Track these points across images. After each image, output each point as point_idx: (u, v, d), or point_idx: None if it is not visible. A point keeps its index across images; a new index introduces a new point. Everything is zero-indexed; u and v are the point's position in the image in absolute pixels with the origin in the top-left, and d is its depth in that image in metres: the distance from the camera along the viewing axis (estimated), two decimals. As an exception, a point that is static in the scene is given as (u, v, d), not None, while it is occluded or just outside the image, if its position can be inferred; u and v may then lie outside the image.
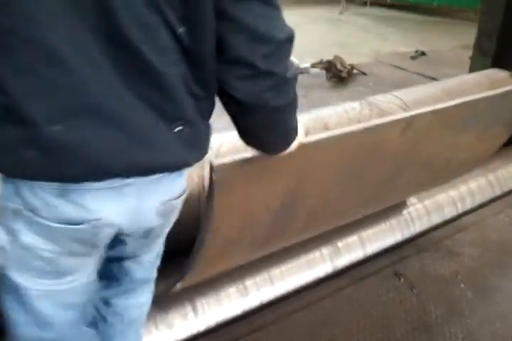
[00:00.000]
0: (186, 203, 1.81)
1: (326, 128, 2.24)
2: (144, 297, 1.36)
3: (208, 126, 1.10)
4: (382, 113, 2.46)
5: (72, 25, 0.84)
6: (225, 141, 1.87)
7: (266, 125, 1.08)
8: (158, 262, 1.33)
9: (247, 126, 1.09)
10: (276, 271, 2.03)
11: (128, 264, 1.24)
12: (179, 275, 1.58)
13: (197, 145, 1.06)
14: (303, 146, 1.28)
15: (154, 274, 1.36)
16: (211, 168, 1.21)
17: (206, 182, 1.87)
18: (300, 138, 1.23)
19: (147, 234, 1.14)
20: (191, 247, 1.81)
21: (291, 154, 1.24)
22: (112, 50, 0.88)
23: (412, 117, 1.65)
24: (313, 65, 4.91)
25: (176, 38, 0.93)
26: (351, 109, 2.48)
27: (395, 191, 2.05)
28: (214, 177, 1.22)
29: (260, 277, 1.99)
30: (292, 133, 1.15)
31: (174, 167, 1.04)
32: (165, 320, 1.76)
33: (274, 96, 1.01)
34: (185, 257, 1.79)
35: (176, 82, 0.96)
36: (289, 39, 1.00)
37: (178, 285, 1.60)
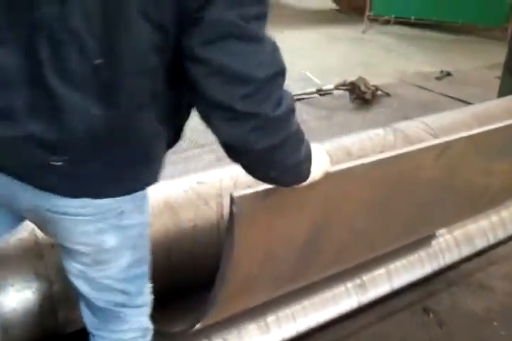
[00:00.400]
0: (205, 233, 1.78)
1: (349, 154, 2.17)
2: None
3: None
4: (407, 138, 2.39)
5: None
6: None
7: (262, 164, 1.03)
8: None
9: (244, 165, 1.05)
10: (298, 307, 1.95)
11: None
12: (199, 314, 1.51)
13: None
14: (329, 176, 1.22)
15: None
16: (231, 199, 1.15)
17: (226, 211, 1.82)
18: (326, 167, 1.18)
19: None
20: (211, 281, 1.76)
21: (315, 185, 1.18)
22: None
23: (447, 144, 1.57)
24: (337, 87, 4.84)
25: (92, 68, 0.89)
26: (375, 135, 2.42)
27: (427, 222, 1.97)
28: (234, 210, 1.16)
29: (282, 313, 1.91)
30: (299, 167, 1.08)
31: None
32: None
33: (259, 138, 0.96)
34: (205, 293, 1.73)
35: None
36: (275, 75, 0.93)
37: (199, 325, 1.53)
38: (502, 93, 3.79)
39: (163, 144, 1.08)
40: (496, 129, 1.67)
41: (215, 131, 0.97)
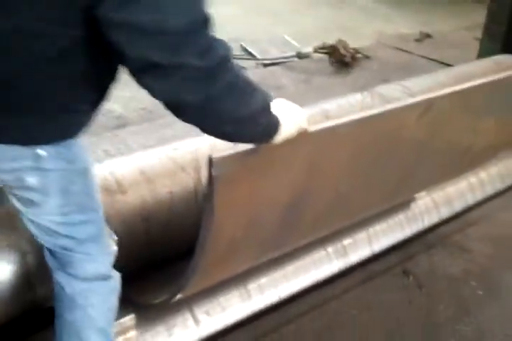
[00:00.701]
0: (182, 200, 1.75)
1: (328, 118, 2.14)
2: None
3: None
4: (386, 101, 2.36)
5: None
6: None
7: (208, 118, 1.01)
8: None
9: (193, 123, 1.03)
10: (280, 273, 1.95)
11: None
12: (180, 283, 1.50)
13: None
14: (309, 135, 1.19)
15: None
16: (210, 162, 1.11)
17: (204, 177, 1.79)
18: (302, 124, 1.16)
19: None
20: (192, 250, 1.74)
21: (296, 146, 1.15)
22: None
23: (429, 101, 1.54)
24: (316, 50, 4.76)
25: None
26: (354, 99, 2.40)
27: (410, 184, 1.95)
28: (213, 173, 1.12)
29: (264, 279, 1.91)
30: (256, 119, 1.06)
31: None
32: (165, 329, 1.68)
33: (190, 89, 0.94)
34: (185, 262, 1.71)
35: None
36: (195, 23, 0.91)
37: (180, 295, 1.52)
38: (481, 55, 3.76)
39: (75, 100, 1.09)
40: (478, 86, 1.64)
41: (149, 91, 0.96)
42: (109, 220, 1.57)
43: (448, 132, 1.75)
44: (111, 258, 1.37)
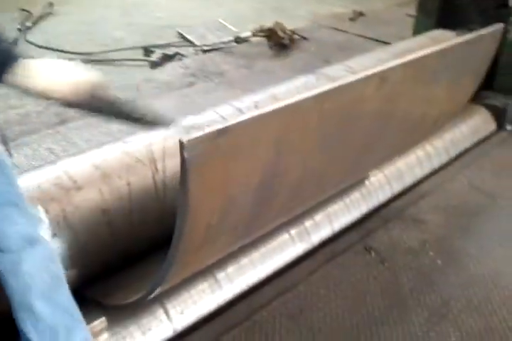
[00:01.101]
0: (142, 191, 1.71)
1: (276, 99, 2.15)
2: None
3: None
4: (333, 80, 2.38)
5: None
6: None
7: None
8: None
9: None
10: (246, 260, 1.95)
11: None
12: (158, 278, 1.45)
13: None
14: (271, 112, 1.19)
15: None
16: (181, 145, 1.09)
17: (160, 165, 1.75)
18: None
19: None
20: (157, 242, 1.71)
21: (264, 123, 1.17)
22: None
23: (385, 71, 1.57)
24: (254, 34, 4.73)
25: None
26: (299, 82, 2.42)
27: (375, 155, 1.99)
28: (186, 156, 1.09)
29: (231, 268, 1.90)
30: None
31: None
32: (138, 327, 1.65)
33: None
34: (153, 258, 1.68)
35: None
36: None
37: (158, 290, 1.49)
38: (417, 30, 3.84)
39: None
40: (428, 55, 1.68)
41: None
42: (68, 217, 1.53)
43: (403, 102, 1.80)
44: (36, 222, 1.32)
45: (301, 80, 2.43)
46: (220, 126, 1.12)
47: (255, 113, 1.22)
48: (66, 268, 1.54)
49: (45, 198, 1.51)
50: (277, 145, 1.33)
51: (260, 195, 1.41)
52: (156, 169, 1.76)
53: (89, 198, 1.59)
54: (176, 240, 1.27)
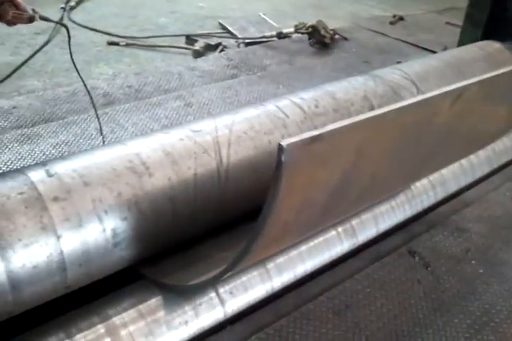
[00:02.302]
0: (207, 181, 1.74)
1: (335, 99, 2.16)
2: None
3: None
4: (387, 83, 2.40)
5: None
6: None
7: None
8: None
9: None
10: (295, 252, 1.97)
11: None
12: (229, 265, 1.48)
13: None
14: (358, 123, 1.22)
15: None
16: (280, 148, 1.11)
17: (224, 153, 1.78)
18: None
19: None
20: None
21: (349, 133, 1.19)
22: None
23: (463, 88, 1.60)
24: (297, 30, 4.75)
25: None
26: (355, 81, 2.43)
27: (433, 164, 2.02)
28: (283, 159, 1.12)
29: (280, 259, 1.93)
30: None
31: None
32: (191, 308, 1.69)
33: None
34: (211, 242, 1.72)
35: None
36: None
37: (228, 274, 1.51)
38: (462, 40, 3.83)
39: None
40: (502, 74, 1.70)
41: None
42: (139, 202, 1.56)
43: (470, 118, 1.81)
44: None
45: (358, 80, 2.44)
46: (316, 133, 1.15)
47: (346, 122, 1.24)
48: (127, 247, 1.58)
49: (120, 181, 1.54)
50: (357, 153, 1.37)
51: (331, 197, 1.45)
52: (221, 160, 1.78)
53: (159, 185, 1.61)
54: (255, 233, 1.30)
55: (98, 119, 2.43)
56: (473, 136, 2.05)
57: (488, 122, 2.04)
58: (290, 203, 1.26)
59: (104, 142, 2.66)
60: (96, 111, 2.39)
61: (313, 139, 1.13)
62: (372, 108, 2.21)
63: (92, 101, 2.43)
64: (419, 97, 1.43)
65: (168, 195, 1.63)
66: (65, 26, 2.19)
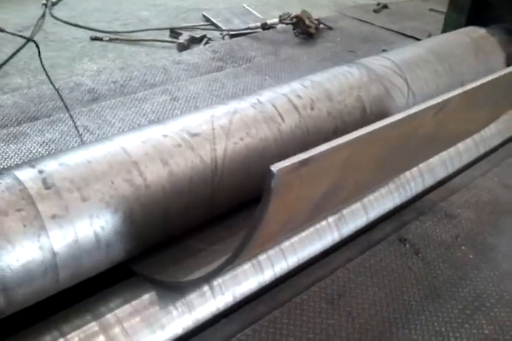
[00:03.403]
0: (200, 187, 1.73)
1: (330, 100, 2.16)
2: None
3: None
4: (379, 79, 2.40)
5: None
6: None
7: None
8: None
9: None
10: (287, 243, 1.98)
11: None
12: (223, 263, 1.49)
13: None
14: (352, 142, 1.27)
15: None
16: (271, 174, 1.13)
17: (219, 165, 1.77)
18: None
19: None
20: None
21: (338, 151, 1.24)
22: None
23: (446, 101, 1.63)
24: (282, 21, 4.73)
25: None
26: (347, 72, 2.42)
27: (411, 165, 2.06)
28: (273, 184, 1.14)
29: (272, 251, 1.93)
30: None
31: None
32: (183, 303, 1.69)
33: None
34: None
35: None
36: None
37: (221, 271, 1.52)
38: (447, 26, 3.84)
39: None
40: (484, 84, 1.73)
41: None
42: (129, 198, 1.55)
43: (452, 124, 1.86)
44: None
45: (343, 68, 2.44)
46: (304, 156, 1.16)
47: (334, 143, 1.25)
48: (118, 244, 1.58)
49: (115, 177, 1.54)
50: (343, 167, 1.40)
51: (317, 206, 1.48)
52: (216, 167, 1.76)
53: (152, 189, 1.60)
54: (243, 242, 1.32)
55: (73, 120, 2.36)
56: (455, 135, 2.08)
57: (469, 123, 2.06)
58: (278, 217, 1.29)
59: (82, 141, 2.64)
60: (69, 111, 2.33)
61: (302, 163, 1.16)
62: (364, 108, 2.21)
63: (64, 103, 2.38)
64: (404, 113, 1.46)
65: (160, 194, 1.62)
66: (33, 41, 2.17)
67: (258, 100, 1.96)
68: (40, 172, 1.46)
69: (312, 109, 2.02)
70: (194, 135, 1.73)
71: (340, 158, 1.31)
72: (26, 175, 1.45)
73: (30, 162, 1.53)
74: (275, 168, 1.10)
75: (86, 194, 1.47)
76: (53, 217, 1.41)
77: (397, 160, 1.76)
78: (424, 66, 2.61)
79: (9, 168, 1.49)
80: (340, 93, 2.15)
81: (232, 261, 1.39)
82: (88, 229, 1.46)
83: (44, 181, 1.44)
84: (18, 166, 1.51)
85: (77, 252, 1.45)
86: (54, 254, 1.41)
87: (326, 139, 1.29)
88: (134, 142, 1.67)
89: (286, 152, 1.86)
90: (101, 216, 1.49)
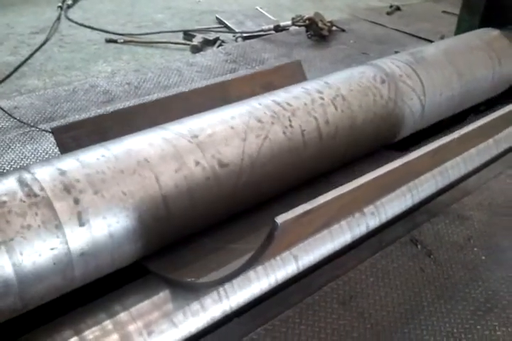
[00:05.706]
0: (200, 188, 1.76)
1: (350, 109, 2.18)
2: None
3: None
4: (393, 80, 2.41)
5: None
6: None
7: None
8: None
9: None
10: (299, 244, 2.00)
11: None
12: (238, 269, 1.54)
13: None
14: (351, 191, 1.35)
15: None
16: (275, 225, 1.19)
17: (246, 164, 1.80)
18: None
19: None
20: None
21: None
22: None
23: (442, 146, 1.68)
24: (294, 23, 4.74)
25: None
26: (361, 73, 2.43)
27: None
28: (276, 234, 1.21)
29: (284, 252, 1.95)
30: None
31: None
32: (197, 301, 1.71)
33: None
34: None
35: None
36: None
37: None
38: (460, 28, 3.83)
39: None
40: (478, 127, 1.76)
41: None
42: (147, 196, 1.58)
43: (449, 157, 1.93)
44: None
45: (358, 70, 2.45)
46: (308, 207, 1.23)
47: (336, 193, 1.30)
48: (132, 241, 1.60)
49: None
50: (340, 208, 1.47)
51: (316, 230, 1.63)
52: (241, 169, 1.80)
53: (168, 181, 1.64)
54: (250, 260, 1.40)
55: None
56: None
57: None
58: (278, 252, 1.44)
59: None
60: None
61: (305, 213, 1.22)
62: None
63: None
64: (400, 161, 1.49)
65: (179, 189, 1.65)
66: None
67: (272, 114, 1.94)
68: (59, 171, 1.49)
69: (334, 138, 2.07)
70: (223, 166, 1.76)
71: (339, 203, 1.37)
72: (44, 173, 1.48)
73: (49, 160, 1.56)
74: (279, 220, 1.17)
75: (103, 192, 1.50)
76: (70, 215, 1.43)
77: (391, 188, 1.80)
78: (437, 67, 2.61)
79: (27, 167, 1.53)
80: (354, 97, 2.17)
81: (250, 266, 1.42)
82: (104, 227, 1.49)
83: (61, 180, 1.47)
84: (36, 165, 1.55)
85: (92, 250, 1.48)
86: (70, 252, 1.44)
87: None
88: (154, 140, 1.70)
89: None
90: (117, 214, 1.52)
